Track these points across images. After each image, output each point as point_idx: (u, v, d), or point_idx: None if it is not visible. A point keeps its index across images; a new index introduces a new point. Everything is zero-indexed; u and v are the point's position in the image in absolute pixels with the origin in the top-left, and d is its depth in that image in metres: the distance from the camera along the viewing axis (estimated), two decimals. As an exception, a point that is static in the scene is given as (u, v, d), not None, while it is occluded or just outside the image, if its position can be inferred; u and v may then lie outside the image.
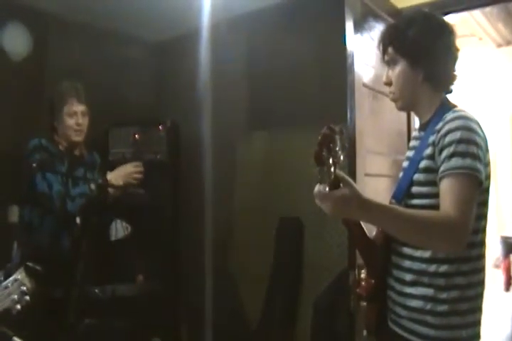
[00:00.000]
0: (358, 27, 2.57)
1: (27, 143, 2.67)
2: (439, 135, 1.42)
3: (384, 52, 1.61)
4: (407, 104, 1.62)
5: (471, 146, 1.37)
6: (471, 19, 4.87)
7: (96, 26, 3.62)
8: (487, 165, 1.43)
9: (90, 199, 2.58)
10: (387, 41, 1.60)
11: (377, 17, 2.73)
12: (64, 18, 3.47)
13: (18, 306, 1.56)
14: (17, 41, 3.25)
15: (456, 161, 1.36)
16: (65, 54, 3.42)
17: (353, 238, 1.69)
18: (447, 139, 1.39)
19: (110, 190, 2.66)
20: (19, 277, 1.58)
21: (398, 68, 1.57)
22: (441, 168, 1.39)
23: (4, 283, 1.57)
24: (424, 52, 1.52)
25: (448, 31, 1.55)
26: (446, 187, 1.36)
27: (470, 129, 1.40)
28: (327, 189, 1.24)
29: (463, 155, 1.36)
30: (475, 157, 1.36)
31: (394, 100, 1.63)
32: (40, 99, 3.31)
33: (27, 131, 3.11)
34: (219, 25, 3.46)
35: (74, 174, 2.72)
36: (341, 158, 1.24)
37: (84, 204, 2.59)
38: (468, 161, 1.35)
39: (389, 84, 1.61)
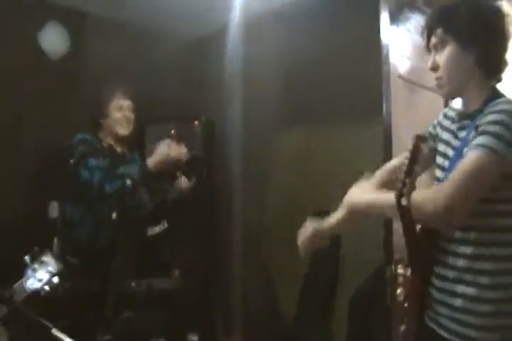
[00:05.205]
0: (394, 18, 2.53)
1: (72, 137, 2.73)
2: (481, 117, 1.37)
3: (430, 34, 1.50)
4: (454, 89, 1.50)
5: (501, 127, 1.30)
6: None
7: (132, 24, 3.65)
8: None
9: (127, 194, 2.60)
10: (435, 22, 1.49)
11: (413, 8, 2.68)
12: (101, 16, 3.51)
13: (47, 287, 1.59)
14: (56, 40, 3.32)
15: (478, 140, 1.31)
16: (102, 52, 3.46)
17: (406, 230, 1.57)
18: (483, 120, 1.34)
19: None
20: (45, 259, 1.61)
21: (447, 50, 1.46)
22: None
23: (33, 266, 1.60)
24: (477, 33, 1.42)
25: (501, 14, 1.45)
26: (460, 163, 1.33)
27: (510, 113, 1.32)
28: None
29: (488, 133, 1.30)
30: (499, 137, 1.29)
31: (440, 86, 1.51)
32: (78, 97, 3.36)
33: (67, 129, 3.17)
34: (252, 20, 3.45)
35: (114, 171, 2.74)
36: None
37: (121, 199, 2.62)
38: (489, 140, 1.29)
39: (435, 69, 1.50)
